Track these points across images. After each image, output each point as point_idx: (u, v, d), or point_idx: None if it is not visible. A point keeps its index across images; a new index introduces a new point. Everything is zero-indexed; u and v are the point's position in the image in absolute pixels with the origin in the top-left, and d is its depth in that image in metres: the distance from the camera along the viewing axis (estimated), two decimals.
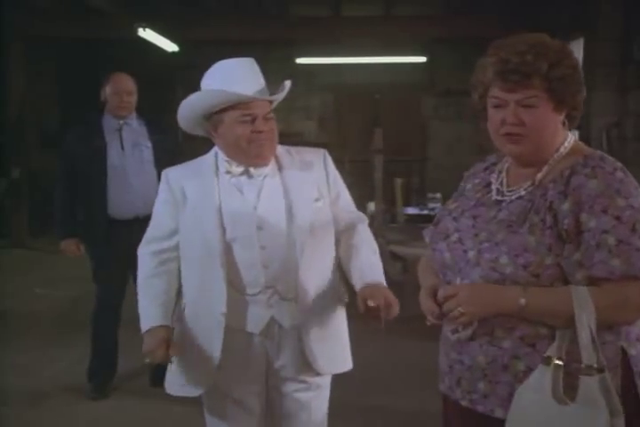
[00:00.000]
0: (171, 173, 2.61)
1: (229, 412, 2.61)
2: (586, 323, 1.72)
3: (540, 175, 1.87)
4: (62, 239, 4.52)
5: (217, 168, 2.55)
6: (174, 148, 4.62)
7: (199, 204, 2.50)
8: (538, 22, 9.41)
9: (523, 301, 1.76)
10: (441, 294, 1.86)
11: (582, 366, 1.72)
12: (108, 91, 4.44)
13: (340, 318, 2.64)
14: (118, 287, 4.56)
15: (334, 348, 2.62)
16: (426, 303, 1.91)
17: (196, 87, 2.54)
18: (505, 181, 1.96)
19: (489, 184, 2.00)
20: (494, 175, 2.01)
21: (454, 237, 1.93)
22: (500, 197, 1.93)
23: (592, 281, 1.76)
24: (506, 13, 9.71)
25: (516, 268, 1.78)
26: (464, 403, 1.91)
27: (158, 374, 4.63)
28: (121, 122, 4.46)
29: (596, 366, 1.71)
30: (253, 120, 2.44)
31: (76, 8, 9.71)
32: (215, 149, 2.61)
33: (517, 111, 1.81)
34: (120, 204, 4.41)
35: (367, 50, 11.64)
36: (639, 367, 1.84)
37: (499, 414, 1.85)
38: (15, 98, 10.25)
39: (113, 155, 4.40)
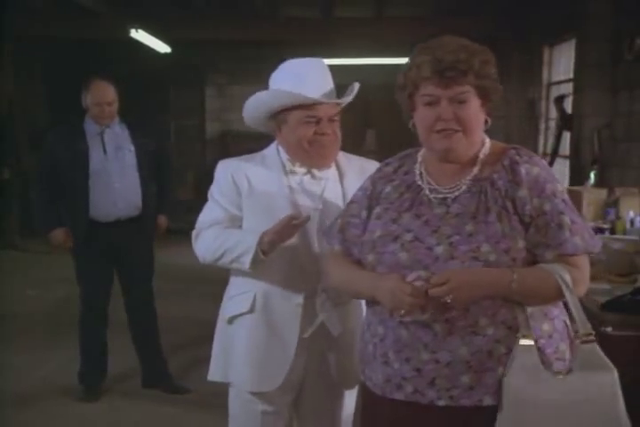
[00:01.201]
0: (229, 163, 2.58)
1: (261, 412, 2.56)
2: (575, 296, 1.88)
3: (476, 169, 1.97)
4: (49, 232, 4.51)
5: (283, 165, 2.55)
6: (157, 151, 4.60)
7: (272, 198, 2.49)
8: (528, 23, 9.44)
9: (514, 282, 1.83)
10: (432, 282, 1.82)
11: (579, 334, 1.88)
12: (88, 100, 4.39)
13: None
14: (103, 288, 4.56)
15: None
16: (407, 293, 1.83)
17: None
18: (430, 180, 2.01)
19: (411, 184, 2.03)
20: (414, 176, 2.04)
21: (408, 236, 1.93)
22: (438, 195, 1.97)
23: (561, 259, 1.90)
24: (497, 15, 9.74)
25: (499, 254, 1.86)
26: (442, 402, 1.90)
27: (151, 374, 4.66)
28: (103, 126, 4.44)
29: (593, 332, 1.87)
30: (318, 122, 2.46)
31: (67, 9, 9.68)
32: (276, 146, 2.61)
33: (452, 107, 1.91)
34: (103, 207, 4.41)
35: (359, 51, 11.65)
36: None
37: (487, 402, 1.88)
38: (4, 98, 10.21)
39: (95, 159, 4.39)
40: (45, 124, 10.89)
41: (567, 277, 1.86)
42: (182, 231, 5.69)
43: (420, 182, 2.02)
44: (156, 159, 4.59)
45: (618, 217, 4.80)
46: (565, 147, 8.42)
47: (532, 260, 1.91)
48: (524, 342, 1.86)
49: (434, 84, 1.90)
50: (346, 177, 2.57)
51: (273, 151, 2.60)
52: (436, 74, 1.88)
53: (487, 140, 2.02)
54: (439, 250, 1.88)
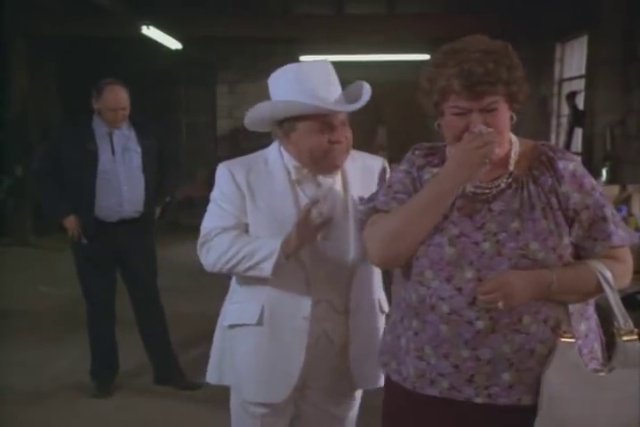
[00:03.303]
0: (233, 168, 2.45)
1: (261, 415, 2.51)
2: (616, 293, 1.88)
3: (511, 166, 1.95)
4: (63, 218, 4.47)
5: (288, 172, 2.43)
6: (161, 152, 4.61)
7: (277, 209, 2.39)
8: (540, 20, 9.40)
9: (554, 284, 1.83)
10: (482, 289, 1.82)
11: (621, 331, 1.87)
12: (101, 105, 4.34)
13: (381, 331, 2.49)
14: (107, 287, 4.58)
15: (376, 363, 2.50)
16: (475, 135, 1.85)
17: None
18: None
19: None
20: None
21: (454, 231, 1.90)
22: (476, 190, 1.94)
23: (608, 252, 1.91)
24: (509, 12, 9.70)
25: (547, 251, 1.85)
26: (479, 400, 1.88)
27: (162, 371, 4.68)
28: (112, 127, 4.42)
29: (636, 330, 1.88)
30: (331, 129, 2.35)
31: (79, 6, 9.71)
32: (279, 149, 2.49)
33: (483, 116, 1.87)
34: (108, 207, 4.41)
35: (370, 48, 11.64)
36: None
37: (526, 401, 1.87)
38: (18, 97, 10.26)
39: (104, 160, 4.38)
40: (58, 123, 10.94)
41: (607, 274, 1.86)
42: (192, 227, 5.69)
43: None
44: (160, 161, 4.59)
45: (630, 214, 4.78)
46: (577, 144, 8.40)
47: (576, 255, 1.91)
48: (565, 339, 1.85)
49: (464, 98, 1.86)
50: (349, 178, 2.46)
51: (276, 155, 2.48)
52: (466, 88, 1.85)
53: (514, 138, 2.00)
54: (486, 246, 1.86)
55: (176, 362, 4.71)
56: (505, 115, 1.91)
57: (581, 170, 1.94)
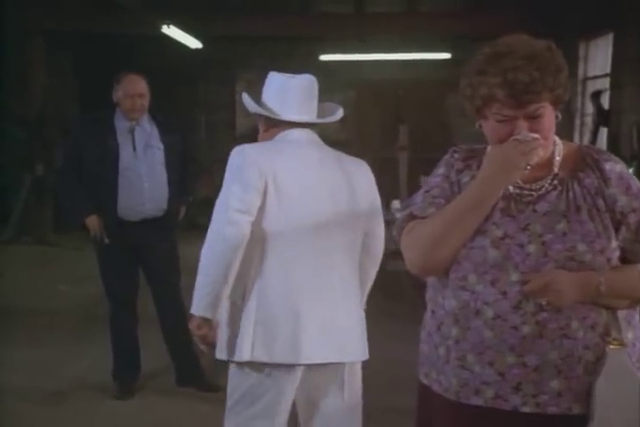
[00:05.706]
0: None
1: None
2: None
3: (556, 168, 1.89)
4: (86, 217, 4.42)
5: None
6: (184, 150, 4.57)
7: None
8: (563, 18, 9.31)
9: (603, 285, 1.78)
10: (529, 287, 1.78)
11: None
12: (119, 93, 4.34)
13: None
14: (130, 286, 4.55)
15: None
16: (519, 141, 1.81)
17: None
18: None
19: None
20: None
21: (498, 232, 1.84)
22: (521, 191, 1.88)
23: None
24: (532, 9, 9.61)
25: (595, 254, 1.80)
26: (527, 409, 1.81)
27: (184, 373, 4.64)
28: (133, 123, 4.38)
29: None
30: None
31: (99, 5, 9.72)
32: None
33: (528, 123, 1.82)
34: (131, 206, 4.36)
35: (391, 46, 11.58)
36: None
37: (576, 410, 1.80)
38: (37, 95, 10.28)
39: (125, 156, 4.34)
40: (78, 120, 10.96)
41: None
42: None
43: None
44: (183, 159, 4.54)
45: None
46: (602, 143, 8.31)
47: (623, 259, 1.86)
48: (614, 346, 1.80)
49: (509, 106, 1.80)
50: None
51: None
52: (511, 98, 1.79)
53: (557, 139, 1.93)
54: (531, 248, 1.81)
55: (197, 363, 4.66)
56: (550, 119, 1.86)
57: (627, 172, 1.89)
